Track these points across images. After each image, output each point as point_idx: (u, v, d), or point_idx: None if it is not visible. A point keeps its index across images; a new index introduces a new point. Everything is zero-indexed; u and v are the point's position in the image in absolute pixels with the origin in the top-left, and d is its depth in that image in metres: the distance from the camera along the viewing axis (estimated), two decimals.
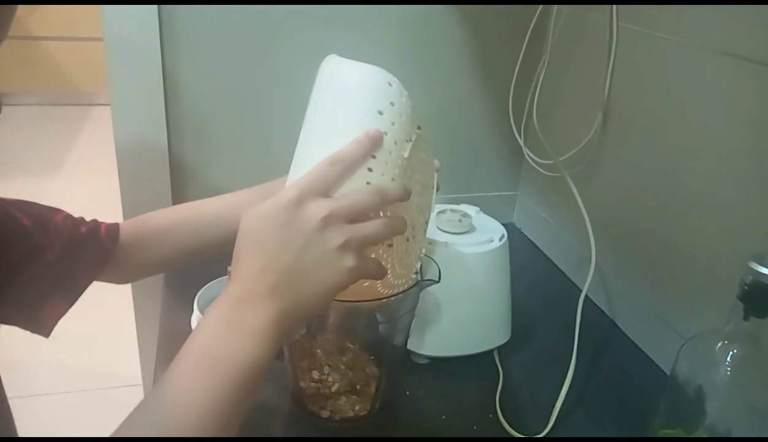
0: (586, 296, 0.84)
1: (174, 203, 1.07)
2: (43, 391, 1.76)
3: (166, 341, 0.83)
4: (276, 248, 0.47)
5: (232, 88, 1.02)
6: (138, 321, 1.12)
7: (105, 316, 1.94)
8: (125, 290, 1.09)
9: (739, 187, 0.71)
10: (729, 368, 0.49)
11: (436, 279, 0.62)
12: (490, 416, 0.74)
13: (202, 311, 0.84)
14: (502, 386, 0.78)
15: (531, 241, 1.16)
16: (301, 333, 0.66)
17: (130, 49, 0.96)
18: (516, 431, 0.71)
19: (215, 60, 1.00)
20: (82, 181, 2.93)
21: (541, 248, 1.14)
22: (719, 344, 0.49)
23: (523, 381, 0.80)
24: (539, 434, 0.71)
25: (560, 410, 0.73)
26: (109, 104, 0.98)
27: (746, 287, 0.47)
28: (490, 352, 0.83)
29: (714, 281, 0.74)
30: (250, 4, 0.97)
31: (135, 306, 1.11)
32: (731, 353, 0.48)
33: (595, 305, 0.97)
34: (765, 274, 0.45)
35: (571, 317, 0.83)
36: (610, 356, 0.86)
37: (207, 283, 0.89)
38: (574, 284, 1.01)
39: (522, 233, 1.19)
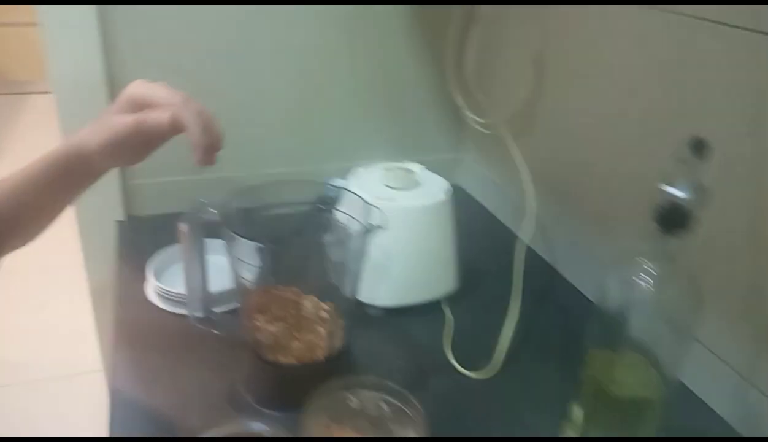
0: (529, 246, 0.89)
1: (124, 188, 1.07)
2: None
3: (122, 311, 0.84)
4: None
5: (173, 61, 1.02)
6: (94, 298, 1.12)
7: (57, 298, 1.91)
8: (77, 268, 1.09)
9: (656, 126, 0.77)
10: (648, 283, 0.53)
11: (383, 226, 0.65)
12: (441, 357, 0.78)
13: (157, 278, 0.86)
14: (451, 331, 0.83)
15: (476, 200, 1.21)
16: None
17: (68, 35, 0.95)
18: (466, 369, 0.76)
19: (155, 38, 0.99)
20: None
21: (486, 207, 1.18)
22: (640, 262, 0.54)
23: (472, 325, 0.84)
24: (486, 371, 0.76)
25: (508, 348, 0.78)
26: (46, 92, 0.97)
27: (659, 209, 0.51)
28: (439, 300, 0.87)
29: (642, 218, 0.80)
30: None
31: (89, 282, 1.11)
32: (650, 269, 0.53)
33: (537, 254, 1.02)
34: (674, 194, 0.50)
35: (512, 264, 0.88)
36: (552, 298, 0.92)
37: (158, 250, 0.91)
38: (517, 236, 1.06)
39: (468, 193, 1.24)
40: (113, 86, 0.99)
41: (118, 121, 0.60)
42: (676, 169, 0.51)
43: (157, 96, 0.61)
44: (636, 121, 0.81)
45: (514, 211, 1.09)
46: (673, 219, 0.51)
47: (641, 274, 0.54)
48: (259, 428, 0.52)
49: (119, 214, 1.07)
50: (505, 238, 1.08)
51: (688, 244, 0.52)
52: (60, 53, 0.95)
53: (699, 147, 0.49)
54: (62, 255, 1.59)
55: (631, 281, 0.54)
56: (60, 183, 0.64)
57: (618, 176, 0.85)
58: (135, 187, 1.07)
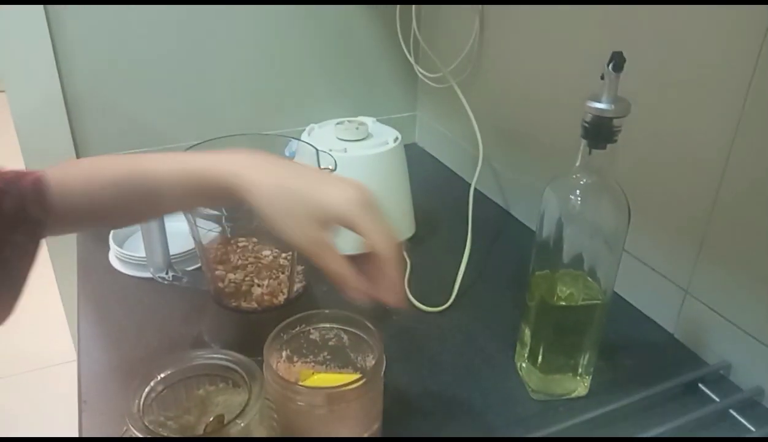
0: (481, 191, 0.92)
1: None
2: None
3: (87, 280, 0.85)
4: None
5: (123, 34, 1.02)
6: (57, 273, 1.12)
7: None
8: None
9: (588, 62, 0.80)
10: (579, 197, 0.57)
11: (333, 168, 0.67)
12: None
13: (119, 245, 0.87)
14: (410, 273, 0.86)
15: (432, 156, 1.24)
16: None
17: (18, 33, 0.95)
18: (424, 305, 0.79)
19: (102, 15, 0.99)
20: None
21: (441, 161, 1.22)
22: (572, 179, 0.57)
23: (428, 267, 0.88)
24: (444, 306, 0.79)
25: (461, 283, 0.82)
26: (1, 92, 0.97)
27: (586, 125, 0.55)
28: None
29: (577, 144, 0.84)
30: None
31: (51, 258, 1.11)
32: (581, 183, 0.57)
33: (489, 199, 1.05)
34: (599, 108, 0.53)
35: (467, 211, 0.92)
36: (504, 237, 0.96)
37: None
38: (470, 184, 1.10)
39: (424, 150, 1.27)
40: (63, 76, 0.99)
41: (304, 233, 0.52)
42: (601, 87, 0.54)
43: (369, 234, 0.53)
44: (570, 56, 0.84)
45: (468, 162, 1.12)
46: (597, 131, 0.54)
47: (574, 190, 0.57)
48: (228, 356, 0.54)
49: None
50: (460, 187, 1.11)
51: (614, 157, 0.55)
52: (10, 50, 0.95)
53: (617, 60, 0.52)
54: None
55: (564, 198, 0.58)
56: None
57: (557, 111, 0.89)
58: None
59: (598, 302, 0.62)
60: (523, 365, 0.68)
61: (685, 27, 0.67)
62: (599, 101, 0.53)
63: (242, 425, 0.47)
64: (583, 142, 0.56)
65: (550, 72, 0.89)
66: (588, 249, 0.60)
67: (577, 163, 0.57)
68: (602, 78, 0.53)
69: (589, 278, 0.61)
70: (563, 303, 0.62)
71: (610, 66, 0.52)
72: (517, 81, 0.97)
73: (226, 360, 0.53)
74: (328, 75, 1.18)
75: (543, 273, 0.63)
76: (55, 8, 0.96)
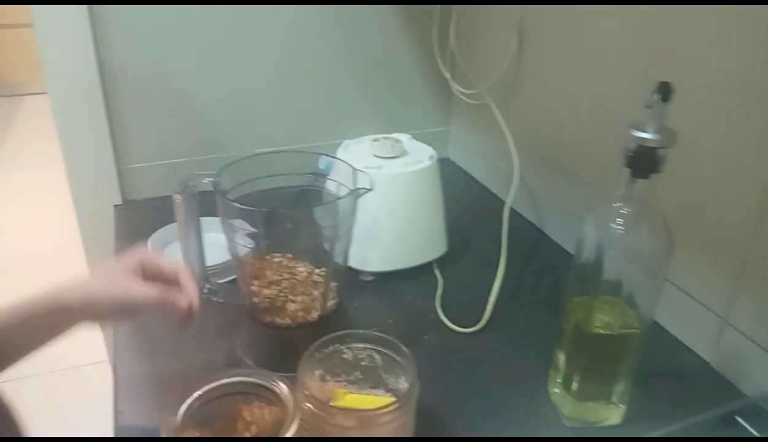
0: (515, 209, 0.92)
1: (119, 172, 1.09)
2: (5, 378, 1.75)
3: None
4: None
5: (165, 48, 1.04)
6: None
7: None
8: (76, 257, 1.11)
9: (629, 82, 0.79)
10: (621, 226, 0.56)
11: (370, 187, 0.67)
12: (432, 316, 0.81)
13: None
14: (442, 292, 0.85)
15: (465, 171, 1.24)
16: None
17: (62, 35, 0.97)
18: (456, 326, 0.79)
19: (145, 27, 1.01)
20: (20, 171, 2.86)
21: (474, 177, 1.21)
22: (613, 206, 0.57)
23: (461, 286, 0.87)
24: (476, 326, 0.79)
25: (494, 304, 0.81)
26: (41, 93, 0.99)
27: (630, 153, 0.54)
28: (429, 264, 0.90)
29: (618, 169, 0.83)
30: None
31: (88, 263, 1.13)
32: (623, 212, 0.56)
33: (524, 218, 1.05)
34: (644, 138, 0.52)
35: (501, 229, 0.91)
36: (538, 258, 0.95)
37: (157, 230, 0.93)
38: (504, 202, 1.09)
39: (457, 165, 1.26)
40: (106, 85, 1.02)
41: (137, 290, 0.61)
42: (646, 116, 0.53)
43: (164, 265, 0.65)
44: (612, 79, 0.84)
45: (501, 179, 1.11)
46: (641, 161, 0.53)
47: (614, 218, 0.56)
48: (265, 375, 0.54)
49: (116, 199, 1.09)
50: (494, 204, 1.11)
51: (658, 186, 0.54)
52: (54, 54, 0.97)
53: (664, 91, 0.51)
54: (61, 244, 1.61)
55: (605, 225, 0.57)
56: (51, 326, 0.62)
57: (597, 134, 0.88)
58: (130, 172, 1.09)
59: (636, 330, 0.61)
60: (556, 390, 0.67)
61: (728, 52, 0.66)
62: (644, 130, 0.52)
63: None
64: (626, 170, 0.55)
65: (589, 94, 0.88)
66: (627, 277, 0.59)
67: (619, 191, 0.56)
68: (648, 106, 0.52)
69: (627, 306, 0.60)
70: (600, 331, 0.61)
71: (657, 96, 0.51)
72: (554, 101, 0.96)
73: (263, 378, 0.54)
74: (363, 89, 1.19)
75: (580, 299, 0.62)
76: (100, 18, 0.98)
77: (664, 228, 0.56)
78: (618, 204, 0.57)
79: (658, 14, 0.74)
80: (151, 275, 0.64)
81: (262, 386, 0.54)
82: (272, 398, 0.53)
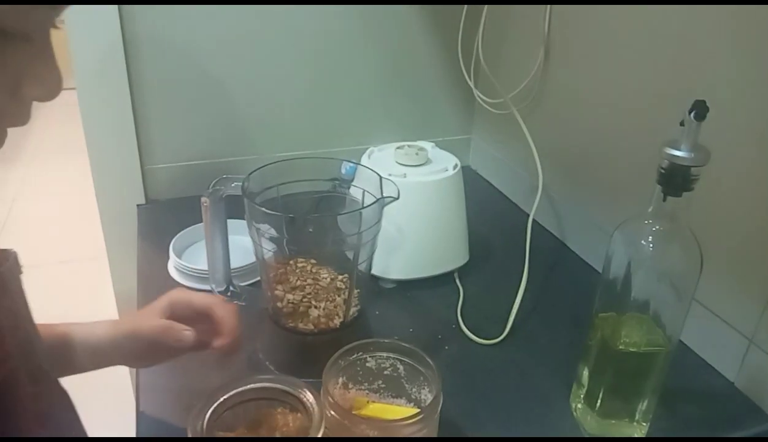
0: (537, 221, 0.91)
1: (143, 173, 1.10)
2: None
3: (145, 290, 0.87)
4: None
5: (191, 50, 1.05)
6: (115, 281, 1.15)
7: (78, 287, 1.94)
8: (98, 255, 1.12)
9: (658, 96, 0.79)
10: (651, 244, 0.56)
11: (396, 196, 0.67)
12: (453, 326, 0.81)
13: (178, 256, 0.89)
14: (463, 302, 0.85)
15: (487, 180, 1.23)
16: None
17: (92, 33, 0.98)
18: (478, 337, 0.78)
19: (172, 28, 1.02)
20: (45, 166, 2.90)
21: (496, 186, 1.21)
22: (643, 224, 0.56)
23: (482, 296, 0.87)
24: (497, 338, 0.78)
25: (516, 317, 0.81)
26: (71, 89, 1.00)
27: (663, 171, 0.53)
28: (450, 273, 0.90)
29: (647, 186, 0.82)
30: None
31: (111, 266, 1.14)
32: (653, 229, 0.56)
33: (546, 229, 1.04)
34: (677, 156, 0.52)
35: (523, 241, 0.91)
36: (560, 270, 0.94)
37: (179, 231, 0.94)
38: (527, 213, 1.08)
39: (478, 174, 1.26)
40: (133, 85, 1.03)
41: (177, 335, 0.61)
42: (679, 133, 0.53)
43: (196, 302, 0.64)
44: (639, 94, 0.83)
45: (523, 189, 1.11)
46: (673, 179, 0.53)
47: (645, 235, 0.56)
48: (291, 381, 0.54)
49: (139, 198, 1.10)
50: (515, 215, 1.10)
51: (689, 204, 0.54)
52: (83, 53, 0.98)
53: (699, 109, 0.51)
54: (83, 240, 1.62)
55: (635, 243, 0.57)
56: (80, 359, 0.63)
57: (623, 148, 0.87)
58: (154, 172, 1.10)
59: (662, 348, 0.60)
60: (579, 406, 0.67)
61: (759, 67, 0.65)
62: (678, 149, 0.52)
63: None
64: (658, 187, 0.55)
65: (616, 108, 0.88)
66: (655, 295, 0.59)
67: (650, 209, 0.56)
68: (682, 124, 0.52)
69: (654, 324, 0.60)
70: (626, 348, 0.61)
71: (692, 114, 0.51)
72: (580, 113, 0.96)
73: (289, 385, 0.54)
74: (386, 95, 1.19)
75: (607, 315, 0.62)
76: (129, 19, 0.99)
77: (695, 247, 0.56)
78: (649, 221, 0.56)
79: (688, 28, 0.74)
80: (183, 314, 0.63)
81: (288, 392, 0.54)
82: (297, 405, 0.53)
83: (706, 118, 0.51)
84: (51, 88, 0.42)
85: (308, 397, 0.53)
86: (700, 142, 0.52)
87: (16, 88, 0.41)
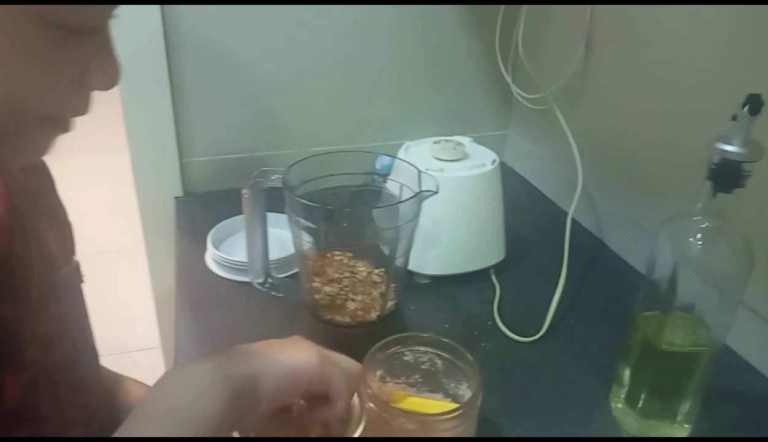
0: (575, 219, 0.90)
1: (181, 165, 1.11)
2: None
3: (183, 281, 0.88)
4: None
5: (226, 46, 1.06)
6: (152, 272, 1.17)
7: (114, 277, 1.97)
8: (135, 246, 1.14)
9: (704, 92, 0.77)
10: (700, 241, 0.54)
11: (435, 190, 0.67)
12: (489, 323, 0.80)
13: (216, 247, 0.90)
14: (500, 299, 0.84)
15: (522, 177, 1.22)
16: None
17: (132, 29, 0.99)
18: (515, 334, 0.78)
19: (210, 24, 1.03)
20: (82, 159, 2.95)
21: (532, 183, 1.19)
22: (691, 221, 0.55)
23: (519, 294, 0.86)
24: (535, 336, 0.77)
25: (554, 315, 0.80)
26: None
27: (713, 166, 0.52)
28: (486, 270, 0.89)
29: (691, 187, 0.80)
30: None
31: (148, 257, 1.16)
32: (702, 226, 0.54)
33: (584, 227, 1.03)
34: (729, 151, 0.51)
35: (560, 238, 0.89)
36: (598, 269, 0.93)
37: (216, 223, 0.95)
38: (564, 211, 1.07)
39: (513, 170, 1.25)
40: (173, 79, 1.04)
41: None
42: (728, 128, 0.51)
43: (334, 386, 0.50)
44: (686, 88, 0.81)
45: (560, 186, 1.10)
46: (724, 175, 0.52)
47: (693, 233, 0.55)
48: None
49: (177, 191, 1.12)
50: (552, 212, 1.09)
51: (739, 202, 0.53)
52: (124, 47, 1.00)
53: (753, 104, 0.49)
54: (122, 235, 1.65)
55: (682, 240, 0.55)
56: None
57: (667, 145, 0.86)
58: (192, 165, 1.12)
59: (707, 349, 0.59)
60: (619, 405, 0.66)
61: None
62: (729, 143, 0.51)
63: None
64: (708, 184, 0.53)
65: (660, 104, 0.86)
66: (702, 294, 0.57)
67: (699, 205, 0.54)
68: (734, 119, 0.51)
69: (699, 324, 0.59)
70: (670, 347, 0.59)
71: (746, 108, 0.49)
72: (621, 109, 0.94)
73: None
74: (422, 90, 1.18)
75: (651, 314, 0.61)
76: (170, 14, 1.00)
77: (745, 246, 0.54)
78: (697, 218, 0.55)
79: (739, 19, 0.72)
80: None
81: None
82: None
83: (760, 112, 0.49)
84: (112, 77, 0.44)
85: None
86: (754, 138, 0.51)
87: (80, 79, 0.42)
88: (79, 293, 0.63)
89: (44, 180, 0.63)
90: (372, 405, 0.55)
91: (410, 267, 0.85)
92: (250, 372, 0.44)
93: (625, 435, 0.64)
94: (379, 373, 0.61)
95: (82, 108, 0.44)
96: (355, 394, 0.53)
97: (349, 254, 0.74)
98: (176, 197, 1.11)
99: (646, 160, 0.90)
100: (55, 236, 0.60)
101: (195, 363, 0.43)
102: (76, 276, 0.63)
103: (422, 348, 0.62)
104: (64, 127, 0.45)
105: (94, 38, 0.42)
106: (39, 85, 0.40)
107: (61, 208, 0.64)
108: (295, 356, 0.47)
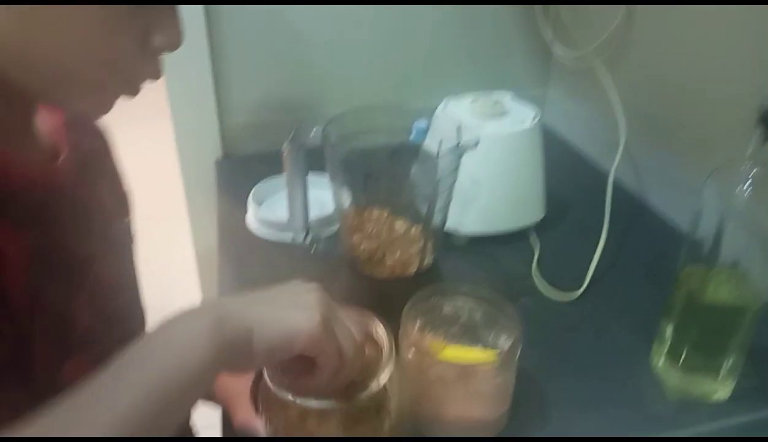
0: (616, 178, 0.88)
1: (222, 128, 1.13)
2: None
3: (225, 240, 0.90)
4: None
5: (269, 16, 1.06)
6: (194, 233, 1.20)
7: (158, 239, 2.02)
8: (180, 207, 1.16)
9: (756, 44, 0.74)
10: (748, 190, 0.53)
11: (475, 143, 0.67)
12: (528, 281, 0.80)
13: (258, 206, 0.91)
14: (539, 258, 0.84)
15: (561, 137, 1.20)
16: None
17: None
18: (554, 291, 0.77)
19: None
20: (129, 123, 3.01)
21: (571, 142, 1.17)
22: (740, 169, 0.53)
23: (558, 253, 0.85)
24: (574, 294, 0.77)
25: (594, 273, 0.79)
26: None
27: (764, 111, 0.51)
28: (525, 229, 0.88)
29: (737, 142, 0.78)
30: None
31: (190, 219, 1.19)
32: (751, 175, 0.53)
33: (625, 186, 1.01)
34: None
35: (600, 198, 0.88)
36: (640, 228, 0.91)
37: (261, 180, 0.96)
38: (604, 171, 1.05)
39: (552, 130, 1.22)
40: (213, 42, 1.05)
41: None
42: None
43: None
44: (735, 38, 0.78)
45: (600, 146, 1.07)
46: None
47: (741, 181, 0.53)
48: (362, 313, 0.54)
49: (218, 153, 1.13)
50: (591, 171, 1.07)
51: None
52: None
53: None
54: (164, 196, 1.68)
55: (729, 191, 0.54)
56: None
57: (715, 100, 0.83)
58: (231, 128, 1.13)
59: (751, 305, 0.58)
60: (661, 362, 0.65)
61: None
62: None
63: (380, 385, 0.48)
64: (758, 131, 0.52)
65: (709, 56, 0.83)
66: (748, 249, 0.56)
67: (748, 152, 0.53)
68: None
69: (744, 280, 0.57)
70: (714, 302, 0.58)
71: None
72: (667, 63, 0.91)
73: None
74: (459, 49, 1.17)
75: (694, 268, 0.60)
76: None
77: None
78: (746, 166, 0.53)
79: None
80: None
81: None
82: (367, 338, 0.52)
83: None
84: (174, 38, 0.46)
85: (379, 329, 0.53)
86: None
87: (143, 42, 0.44)
88: (132, 252, 0.65)
89: (104, 145, 0.65)
90: (411, 354, 0.55)
91: (448, 227, 0.85)
92: (245, 327, 0.42)
93: (666, 392, 0.64)
94: (418, 323, 0.61)
95: (153, 73, 0.47)
96: (384, 337, 0.52)
97: (388, 211, 0.74)
98: (217, 160, 1.13)
99: (691, 116, 0.88)
100: (111, 197, 0.62)
101: (194, 312, 0.42)
102: (128, 235, 0.65)
103: (461, 299, 0.62)
104: (132, 90, 0.47)
105: (155, 4, 0.44)
106: (103, 47, 0.42)
107: (119, 173, 0.67)
108: (296, 317, 0.44)
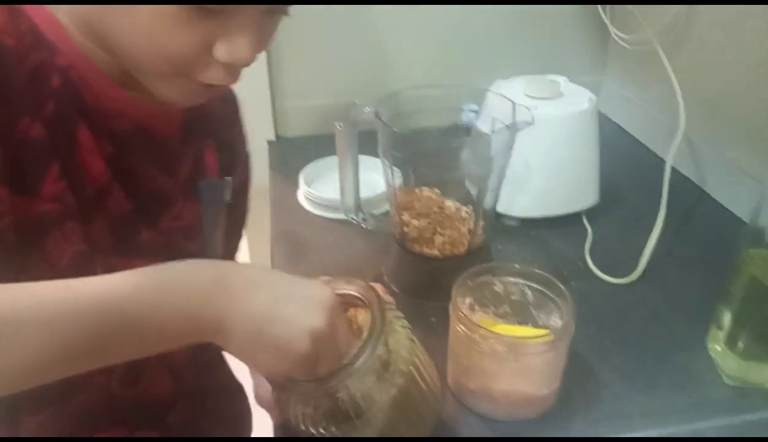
0: (673, 166, 0.85)
1: (274, 110, 1.14)
2: None
3: (277, 218, 0.92)
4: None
5: None
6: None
7: None
8: None
9: None
10: None
11: (530, 121, 0.66)
12: (580, 264, 0.79)
13: (309, 185, 0.92)
14: (592, 242, 0.82)
15: (617, 124, 1.17)
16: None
17: None
18: (608, 276, 0.76)
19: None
20: None
21: (626, 129, 1.15)
22: None
23: (612, 238, 0.84)
24: (628, 278, 0.75)
25: (649, 259, 0.77)
26: None
27: None
28: (578, 214, 0.87)
29: None
30: None
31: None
32: None
33: (682, 174, 0.98)
34: None
35: (656, 185, 0.85)
36: (697, 216, 0.89)
37: (310, 161, 0.97)
38: (661, 158, 1.02)
39: (607, 117, 1.20)
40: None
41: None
42: None
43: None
44: None
45: (657, 133, 1.05)
46: None
47: None
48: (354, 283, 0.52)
49: (270, 135, 1.15)
50: (648, 158, 1.05)
51: None
52: None
53: None
54: None
55: None
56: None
57: None
58: (284, 110, 1.14)
59: None
60: (718, 348, 0.63)
61: None
62: None
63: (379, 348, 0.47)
64: None
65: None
66: None
67: None
68: None
69: None
70: None
71: None
72: (730, 50, 0.88)
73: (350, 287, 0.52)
74: (514, 31, 1.15)
75: (758, 252, 0.58)
76: None
77: None
78: None
79: None
80: None
81: (353, 295, 0.51)
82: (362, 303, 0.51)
83: None
84: (235, 53, 0.46)
85: (369, 295, 0.50)
86: None
87: (206, 46, 0.46)
88: (221, 208, 0.66)
89: (224, 112, 0.68)
90: (462, 328, 0.55)
91: (499, 209, 0.85)
92: (215, 320, 0.41)
93: (724, 377, 0.62)
94: (468, 301, 0.61)
95: (217, 78, 0.48)
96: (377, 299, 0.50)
97: (437, 191, 0.75)
98: (269, 141, 1.15)
99: (754, 103, 0.84)
100: (212, 157, 0.64)
101: (198, 270, 0.43)
102: (221, 192, 0.66)
103: (512, 279, 0.62)
104: (203, 88, 0.49)
105: (224, 14, 0.45)
106: (162, 43, 0.45)
107: (234, 140, 0.71)
108: (287, 335, 0.43)
